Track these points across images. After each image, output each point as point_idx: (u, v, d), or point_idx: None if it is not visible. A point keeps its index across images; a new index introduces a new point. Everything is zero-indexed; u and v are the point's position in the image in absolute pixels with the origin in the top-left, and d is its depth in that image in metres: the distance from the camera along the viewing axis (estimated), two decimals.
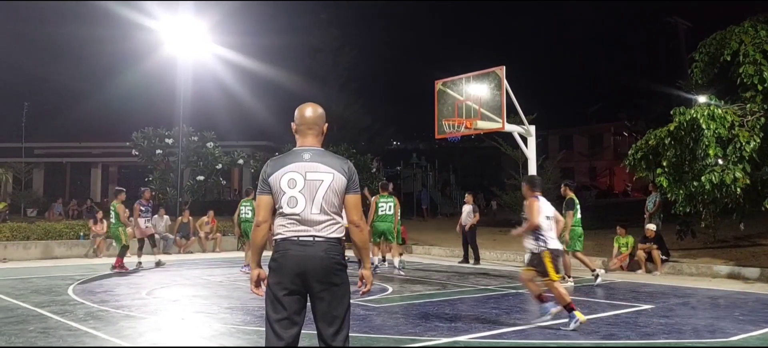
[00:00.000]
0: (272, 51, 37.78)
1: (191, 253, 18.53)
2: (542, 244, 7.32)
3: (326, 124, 3.89)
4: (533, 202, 7.41)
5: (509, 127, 14.78)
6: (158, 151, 26.83)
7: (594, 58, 71.37)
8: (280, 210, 3.64)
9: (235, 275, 12.67)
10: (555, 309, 7.36)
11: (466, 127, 14.59)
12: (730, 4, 22.76)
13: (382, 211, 13.12)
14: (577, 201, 11.45)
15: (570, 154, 48.02)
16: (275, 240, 3.64)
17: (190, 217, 19.41)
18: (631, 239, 13.93)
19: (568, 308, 7.07)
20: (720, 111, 11.99)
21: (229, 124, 37.37)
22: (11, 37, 43.49)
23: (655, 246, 13.38)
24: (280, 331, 3.53)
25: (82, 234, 17.49)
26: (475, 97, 14.60)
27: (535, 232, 7.35)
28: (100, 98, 41.92)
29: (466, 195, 16.29)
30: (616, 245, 14.04)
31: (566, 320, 7.05)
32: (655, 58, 55.24)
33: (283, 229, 3.62)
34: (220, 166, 27.95)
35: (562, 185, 11.97)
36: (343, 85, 40.64)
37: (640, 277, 12.76)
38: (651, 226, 13.77)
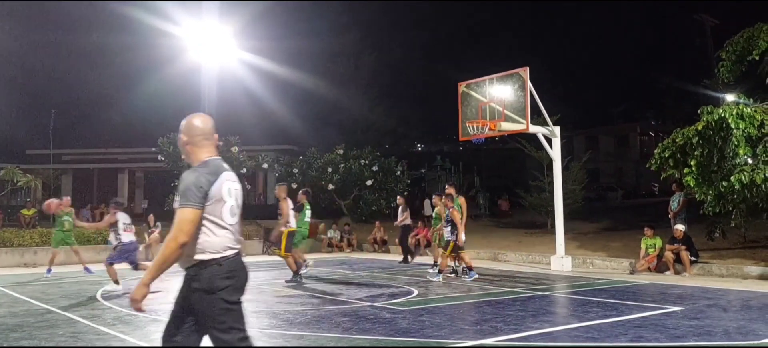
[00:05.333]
0: (295, 55, 37.98)
1: None
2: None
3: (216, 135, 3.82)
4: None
5: (533, 129, 14.68)
6: (184, 157, 27.02)
7: (619, 58, 70.45)
8: (220, 220, 3.46)
9: (259, 279, 12.73)
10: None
11: (489, 129, 14.52)
12: (758, 3, 22.36)
13: None
14: (307, 206, 12.69)
15: (596, 154, 47.62)
16: (224, 255, 3.44)
17: None
18: (658, 240, 13.74)
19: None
20: (749, 110, 11.80)
21: (253, 128, 37.59)
22: (39, 45, 44.23)
23: (683, 247, 13.18)
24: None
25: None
26: (499, 99, 14.53)
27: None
28: (127, 105, 42.48)
29: (398, 197, 18.42)
30: (643, 246, 13.86)
31: None
32: (682, 56, 54.48)
33: (231, 241, 3.51)
34: (244, 170, 28.10)
35: (300, 193, 12.98)
36: (366, 88, 40.77)
37: (668, 278, 12.58)
38: (680, 227, 13.57)
